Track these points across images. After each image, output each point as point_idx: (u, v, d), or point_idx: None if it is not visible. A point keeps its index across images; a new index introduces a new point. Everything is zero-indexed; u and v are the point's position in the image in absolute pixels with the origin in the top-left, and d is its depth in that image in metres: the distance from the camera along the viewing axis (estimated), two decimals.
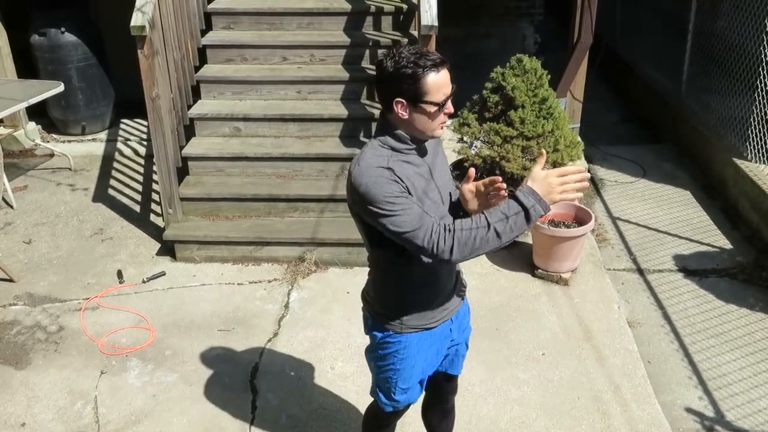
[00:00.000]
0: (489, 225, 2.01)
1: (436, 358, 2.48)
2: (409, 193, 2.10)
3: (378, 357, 2.43)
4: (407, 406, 2.59)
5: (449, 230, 2.04)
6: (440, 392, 2.75)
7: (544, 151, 2.20)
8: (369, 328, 2.44)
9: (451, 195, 2.36)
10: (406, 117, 2.11)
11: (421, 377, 2.47)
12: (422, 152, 2.22)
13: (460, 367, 2.64)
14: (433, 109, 2.09)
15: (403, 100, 2.09)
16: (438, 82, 2.08)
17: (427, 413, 2.87)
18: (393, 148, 2.16)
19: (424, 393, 2.68)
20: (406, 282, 2.29)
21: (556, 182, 2.03)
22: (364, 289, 2.46)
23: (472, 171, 2.30)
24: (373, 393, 2.57)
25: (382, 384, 2.49)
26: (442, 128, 2.17)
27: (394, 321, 2.33)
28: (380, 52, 5.12)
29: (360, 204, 2.11)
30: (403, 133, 2.15)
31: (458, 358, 2.61)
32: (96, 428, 3.33)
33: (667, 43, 6.72)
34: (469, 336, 2.65)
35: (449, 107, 2.13)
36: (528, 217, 2.01)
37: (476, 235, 2.02)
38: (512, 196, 2.03)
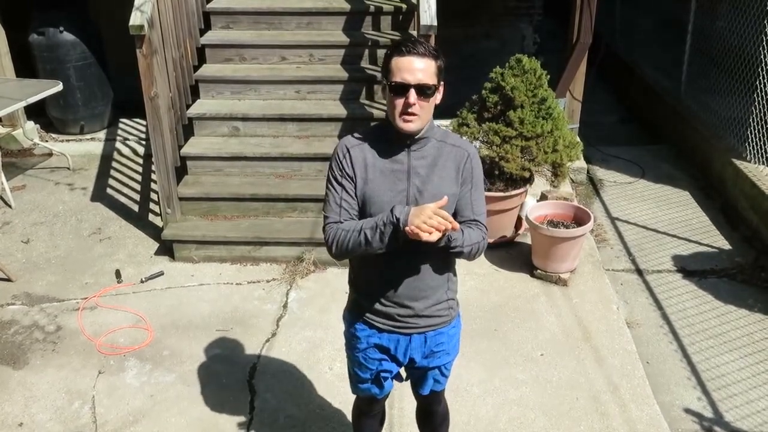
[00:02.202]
0: (361, 230, 2.13)
1: (390, 364, 2.45)
2: (349, 178, 2.19)
3: (345, 334, 2.53)
4: (372, 398, 2.59)
5: (338, 228, 2.18)
6: (420, 403, 2.74)
7: (446, 197, 2.10)
8: (343, 312, 2.57)
9: (455, 211, 2.26)
10: (386, 101, 2.17)
11: (376, 372, 2.45)
12: (411, 147, 2.19)
13: (428, 388, 2.55)
14: (391, 91, 2.10)
15: (384, 82, 2.16)
16: (399, 64, 2.07)
17: (417, 416, 2.86)
18: (381, 133, 2.23)
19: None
20: (359, 269, 2.38)
21: (427, 216, 2.01)
22: None
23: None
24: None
25: (348, 365, 2.58)
26: (405, 121, 2.11)
27: (351, 305, 2.46)
28: (379, 52, 5.12)
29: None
30: (388, 122, 2.19)
31: (427, 380, 2.52)
32: (93, 428, 3.32)
33: (666, 43, 6.72)
34: (451, 361, 2.53)
35: (411, 98, 2.07)
36: (395, 229, 2.07)
37: (350, 237, 2.15)
38: (392, 209, 2.09)
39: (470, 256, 2.27)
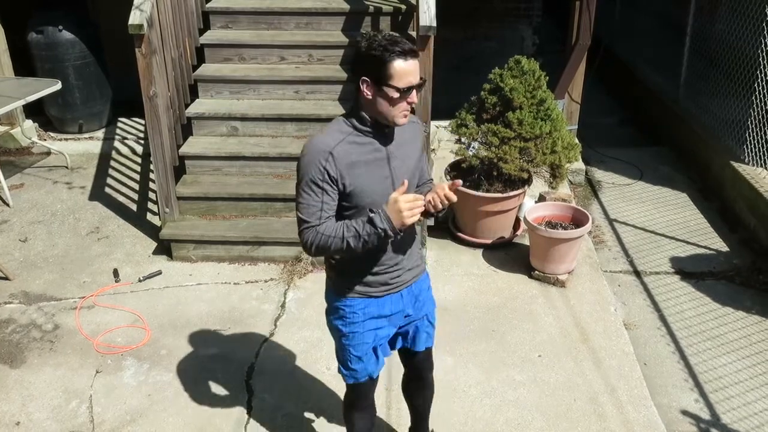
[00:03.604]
0: (344, 240, 2.24)
1: (386, 329, 2.58)
2: (332, 181, 2.25)
3: (332, 324, 2.59)
4: (371, 381, 2.65)
5: (318, 232, 2.26)
6: (413, 368, 2.84)
7: (405, 181, 2.26)
8: (326, 296, 2.62)
9: (418, 179, 2.55)
10: (371, 98, 2.23)
11: (373, 345, 2.56)
12: (384, 136, 2.33)
13: (423, 344, 2.69)
14: (395, 94, 2.19)
15: (369, 80, 2.21)
16: (403, 70, 2.18)
17: (405, 387, 2.96)
18: (354, 127, 2.31)
19: (404, 370, 2.86)
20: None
21: (404, 207, 2.17)
22: (325, 261, 2.61)
23: (458, 182, 2.40)
24: (338, 370, 2.66)
25: (339, 353, 2.62)
26: (405, 117, 2.26)
27: (340, 286, 2.51)
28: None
29: (297, 169, 2.32)
30: (366, 115, 2.29)
31: (420, 334, 2.67)
32: (91, 427, 3.31)
33: (665, 45, 6.73)
34: (433, 311, 2.72)
35: (413, 97, 2.23)
36: (380, 237, 2.22)
37: (332, 243, 2.26)
38: (370, 218, 2.21)
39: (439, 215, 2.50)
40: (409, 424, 3.14)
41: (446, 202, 2.33)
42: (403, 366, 2.84)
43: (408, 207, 2.18)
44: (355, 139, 2.30)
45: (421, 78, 2.24)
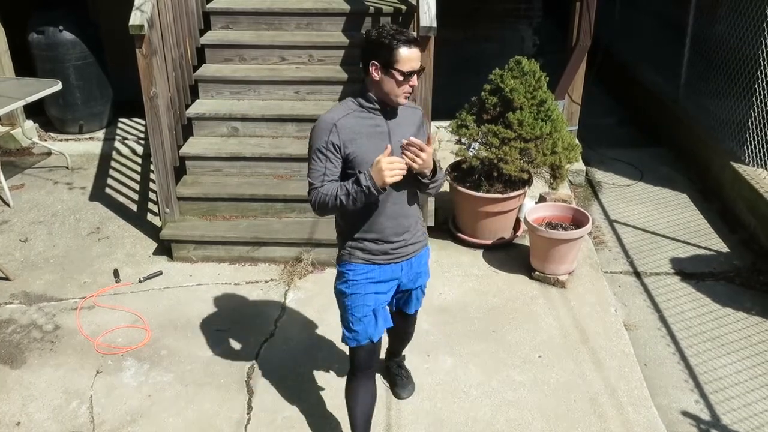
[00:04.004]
0: (336, 197, 2.57)
1: (386, 294, 2.88)
2: (335, 148, 2.60)
3: (337, 288, 2.88)
4: (371, 344, 2.88)
5: (319, 192, 2.61)
6: (401, 324, 3.19)
7: (388, 147, 2.54)
8: (336, 263, 2.91)
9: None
10: (378, 79, 2.58)
11: (373, 307, 2.84)
12: (388, 115, 2.68)
13: (413, 308, 3.11)
14: (399, 77, 2.55)
15: (378, 63, 2.56)
16: (408, 56, 2.54)
17: (392, 336, 3.33)
18: (360, 105, 2.67)
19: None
20: (349, 216, 2.75)
21: (385, 167, 2.48)
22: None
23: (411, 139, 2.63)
24: (342, 337, 2.92)
25: (343, 317, 2.90)
26: (405, 98, 2.63)
27: (345, 251, 2.83)
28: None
29: (309, 142, 2.69)
30: (373, 95, 2.64)
31: (412, 300, 3.07)
32: (91, 428, 3.31)
33: (665, 46, 6.73)
34: (426, 282, 3.06)
35: (413, 81, 2.59)
36: (366, 194, 2.53)
37: (329, 201, 2.60)
38: (356, 178, 2.54)
39: (437, 189, 2.80)
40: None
41: (420, 155, 2.56)
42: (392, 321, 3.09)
43: (388, 167, 2.48)
44: (359, 115, 2.65)
45: (420, 65, 2.58)
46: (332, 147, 2.61)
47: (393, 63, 2.53)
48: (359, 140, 2.63)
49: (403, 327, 3.25)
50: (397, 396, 3.46)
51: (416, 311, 3.18)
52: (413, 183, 2.69)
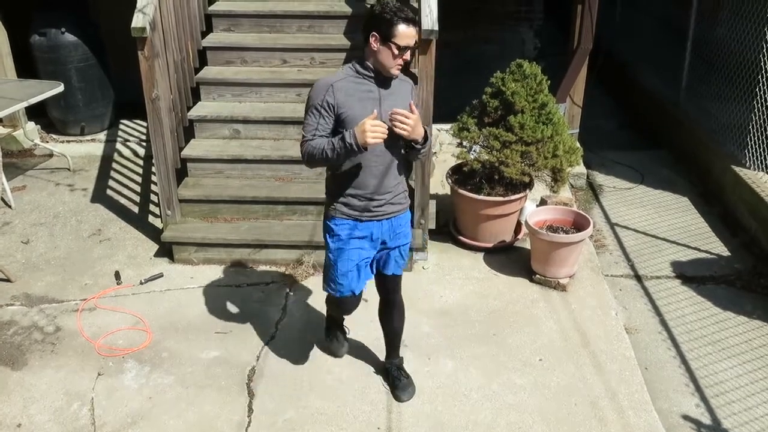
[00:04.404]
0: (323, 150, 2.86)
1: (368, 251, 3.14)
2: (329, 107, 2.88)
3: (325, 243, 3.16)
4: (353, 296, 3.21)
5: (309, 145, 2.90)
6: (384, 289, 3.37)
7: (375, 112, 2.80)
8: (323, 219, 3.20)
9: None
10: (375, 49, 2.86)
11: (356, 263, 3.12)
12: (381, 83, 2.96)
13: (391, 270, 3.27)
14: (395, 50, 2.84)
15: (377, 35, 2.84)
16: (405, 32, 2.82)
17: (380, 312, 3.49)
18: (357, 71, 2.95)
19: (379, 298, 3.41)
20: (338, 175, 3.03)
21: (368, 128, 2.74)
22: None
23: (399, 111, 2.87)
24: (324, 288, 3.27)
25: (328, 272, 3.19)
26: (398, 69, 2.91)
27: (331, 207, 3.10)
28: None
29: (306, 100, 2.97)
30: (369, 64, 2.92)
31: (390, 261, 3.24)
32: (92, 430, 3.32)
33: (666, 49, 6.73)
34: (407, 245, 3.28)
35: (407, 55, 2.87)
36: (347, 150, 2.80)
37: (316, 153, 2.89)
38: (342, 135, 2.82)
39: (426, 155, 3.20)
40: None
41: (405, 122, 2.80)
42: (378, 290, 3.39)
43: (371, 129, 2.74)
44: (355, 80, 2.93)
45: (415, 42, 2.87)
46: (327, 105, 2.89)
47: (391, 37, 2.81)
48: (351, 102, 2.90)
49: (386, 294, 3.39)
50: (398, 399, 3.47)
51: (396, 277, 3.33)
52: (402, 148, 3.01)
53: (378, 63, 2.90)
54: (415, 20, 2.85)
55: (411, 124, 2.82)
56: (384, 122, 2.80)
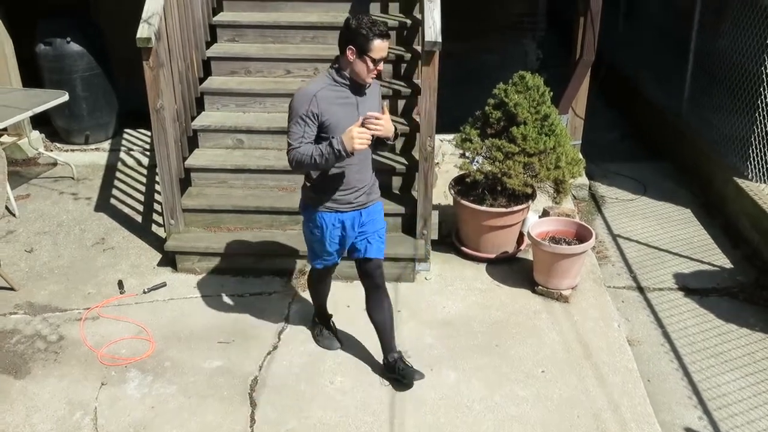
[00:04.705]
0: (312, 157, 3.12)
1: (348, 238, 3.47)
2: (314, 116, 3.13)
3: (309, 231, 3.49)
4: (334, 265, 3.66)
5: (297, 152, 3.14)
6: (368, 276, 3.58)
7: (361, 118, 3.11)
8: (302, 211, 3.51)
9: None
10: (351, 61, 3.14)
11: (337, 248, 3.50)
12: (355, 90, 3.24)
13: (374, 253, 3.53)
14: (370, 63, 3.12)
15: (354, 48, 3.11)
16: (379, 46, 3.10)
17: (367, 306, 3.64)
18: (334, 79, 3.21)
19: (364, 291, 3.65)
20: (325, 174, 3.31)
21: (355, 135, 3.04)
22: (302, 186, 3.49)
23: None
24: (309, 260, 3.65)
25: (314, 249, 3.55)
26: (372, 78, 3.20)
27: (318, 203, 3.38)
28: (384, 66, 5.16)
29: (289, 107, 3.21)
30: (345, 73, 3.20)
31: (372, 245, 3.52)
32: None
33: (668, 61, 6.75)
34: (383, 229, 3.56)
35: (380, 66, 3.16)
36: (336, 156, 3.09)
37: (305, 159, 3.13)
38: (330, 142, 3.09)
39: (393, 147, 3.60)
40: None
41: (378, 122, 3.10)
42: (362, 280, 3.61)
43: (358, 136, 3.04)
44: (333, 88, 3.20)
45: (387, 54, 3.19)
46: (311, 115, 3.14)
47: (367, 51, 3.09)
48: (333, 109, 3.17)
49: (371, 281, 3.57)
50: (410, 386, 3.59)
51: (379, 261, 3.56)
52: (373, 146, 3.25)
53: (353, 72, 3.17)
54: (388, 34, 3.15)
55: (384, 125, 3.13)
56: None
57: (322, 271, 3.67)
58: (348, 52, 3.12)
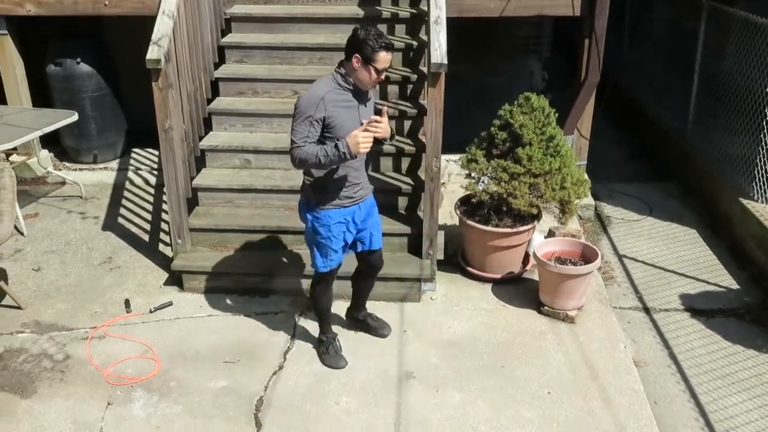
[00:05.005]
0: (317, 157, 3.32)
1: (350, 233, 3.67)
2: (320, 118, 3.32)
3: (314, 231, 3.61)
4: (338, 267, 3.76)
5: (302, 150, 3.32)
6: (370, 265, 3.94)
7: (365, 121, 3.34)
8: (303, 213, 3.67)
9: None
10: (356, 69, 3.35)
11: (342, 244, 3.67)
12: (357, 95, 3.46)
13: (377, 244, 3.85)
14: (374, 73, 3.35)
15: (360, 57, 3.31)
16: (384, 58, 3.33)
17: (356, 276, 4.05)
18: (338, 83, 3.41)
19: (357, 265, 3.99)
20: (329, 174, 3.50)
21: (361, 140, 3.26)
22: (301, 186, 3.68)
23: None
24: (313, 264, 3.73)
25: (319, 251, 3.66)
26: (373, 86, 3.48)
27: (323, 201, 3.55)
28: (390, 87, 5.21)
29: (294, 110, 3.38)
30: (350, 78, 3.40)
31: (374, 237, 3.81)
32: None
33: (673, 81, 6.78)
34: (379, 221, 3.87)
35: (382, 76, 3.41)
36: (340, 158, 3.32)
37: (310, 160, 3.33)
38: (336, 144, 3.30)
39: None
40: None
41: (378, 125, 3.32)
42: (362, 264, 3.96)
43: (363, 141, 3.27)
44: (337, 91, 3.39)
45: (390, 66, 3.44)
46: (318, 118, 3.33)
47: (372, 61, 3.30)
48: (338, 112, 3.37)
49: (371, 269, 3.96)
50: (383, 335, 4.11)
51: (380, 250, 3.91)
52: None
53: (357, 79, 3.39)
54: (393, 47, 3.38)
55: (383, 127, 3.36)
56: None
57: (327, 275, 3.76)
58: (354, 60, 3.31)
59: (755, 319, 4.45)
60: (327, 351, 3.96)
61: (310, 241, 3.70)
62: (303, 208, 3.67)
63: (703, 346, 4.23)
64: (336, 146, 3.29)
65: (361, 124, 3.36)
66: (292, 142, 3.37)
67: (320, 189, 3.55)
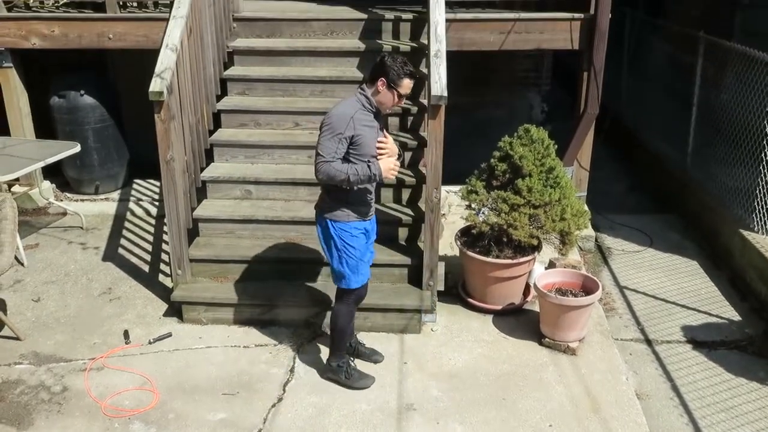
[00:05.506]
0: (347, 174, 3.54)
1: (370, 244, 3.92)
2: (349, 136, 3.53)
3: (342, 246, 3.73)
4: (367, 281, 3.90)
5: (330, 165, 3.53)
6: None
7: (397, 151, 3.80)
8: (325, 231, 3.78)
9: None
10: (380, 91, 3.60)
11: (368, 255, 3.90)
12: (377, 117, 3.70)
13: (373, 258, 4.07)
14: (397, 97, 3.62)
15: (385, 81, 3.57)
16: (407, 84, 3.62)
17: None
18: (363, 105, 3.62)
19: None
20: (356, 191, 3.69)
21: (391, 167, 3.67)
22: (317, 204, 3.84)
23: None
24: (339, 281, 3.83)
25: (350, 267, 3.76)
26: (392, 110, 3.93)
27: (344, 216, 3.72)
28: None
29: (322, 125, 3.60)
30: (372, 101, 3.62)
31: (373, 253, 4.05)
32: None
33: (672, 114, 6.83)
34: (373, 251, 4.07)
35: (402, 101, 3.71)
36: (369, 180, 3.63)
37: (339, 176, 3.54)
38: (368, 166, 3.58)
39: None
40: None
41: (385, 146, 3.69)
42: None
43: (393, 168, 3.68)
44: (363, 112, 3.61)
45: (411, 91, 3.72)
46: (348, 136, 3.54)
47: (397, 86, 3.57)
48: (365, 131, 3.60)
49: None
50: (376, 361, 4.17)
51: (368, 279, 3.98)
52: None
53: (379, 102, 3.63)
54: (416, 75, 3.67)
55: (391, 146, 3.72)
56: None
57: (360, 289, 3.90)
58: (379, 83, 3.57)
59: (757, 351, 4.42)
60: (351, 375, 3.99)
61: (338, 261, 3.77)
62: (328, 229, 3.75)
63: (706, 378, 4.19)
64: (369, 167, 3.57)
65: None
66: (319, 155, 3.55)
67: (351, 203, 3.72)
